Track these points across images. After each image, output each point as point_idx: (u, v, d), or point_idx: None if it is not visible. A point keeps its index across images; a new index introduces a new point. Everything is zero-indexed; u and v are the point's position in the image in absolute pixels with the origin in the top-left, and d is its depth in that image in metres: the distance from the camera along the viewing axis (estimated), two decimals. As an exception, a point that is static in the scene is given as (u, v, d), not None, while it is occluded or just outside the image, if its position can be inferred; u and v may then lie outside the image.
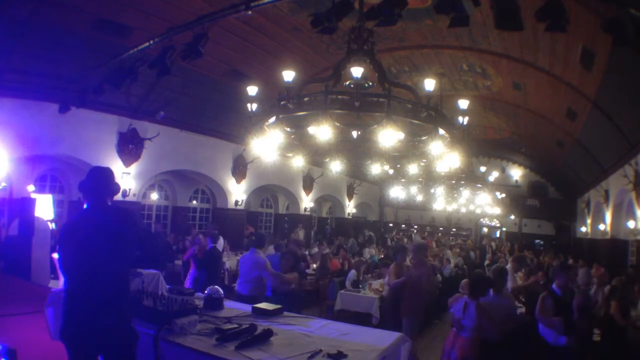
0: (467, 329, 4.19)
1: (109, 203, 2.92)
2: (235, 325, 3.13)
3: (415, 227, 23.90)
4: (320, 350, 2.81)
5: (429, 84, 5.29)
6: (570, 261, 12.38)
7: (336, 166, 8.66)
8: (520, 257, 8.15)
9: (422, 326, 6.82)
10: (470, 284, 4.58)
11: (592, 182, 13.84)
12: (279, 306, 3.87)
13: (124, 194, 10.20)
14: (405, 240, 16.60)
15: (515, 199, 20.34)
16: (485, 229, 24.27)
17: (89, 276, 2.61)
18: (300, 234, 15.98)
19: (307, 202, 17.34)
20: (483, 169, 16.79)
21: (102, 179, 2.89)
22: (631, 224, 10.62)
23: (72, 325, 2.57)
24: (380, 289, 7.43)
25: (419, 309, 5.70)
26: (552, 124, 12.39)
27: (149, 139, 10.54)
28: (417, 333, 5.37)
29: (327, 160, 8.40)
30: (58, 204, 10.47)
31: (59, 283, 6.34)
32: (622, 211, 11.64)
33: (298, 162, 8.70)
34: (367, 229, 19.49)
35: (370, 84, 5.01)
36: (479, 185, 14.79)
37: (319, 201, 19.72)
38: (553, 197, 20.89)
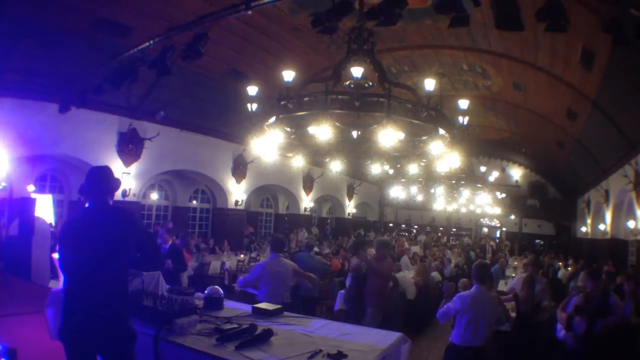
0: None
1: (110, 202, 2.93)
2: (235, 325, 3.13)
3: (415, 226, 23.93)
4: (321, 350, 2.81)
5: (429, 84, 5.28)
6: (570, 261, 12.41)
7: (336, 166, 8.65)
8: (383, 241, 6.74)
9: (416, 324, 6.85)
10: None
11: (592, 182, 13.84)
12: (278, 306, 3.87)
13: (124, 194, 10.21)
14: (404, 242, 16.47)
15: (515, 199, 20.34)
16: (485, 229, 24.27)
17: (88, 276, 2.61)
18: (305, 234, 15.94)
19: (307, 202, 17.35)
20: (483, 169, 16.80)
21: (101, 178, 2.89)
22: (631, 224, 10.62)
23: (71, 324, 2.58)
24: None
25: (381, 299, 5.69)
26: (552, 124, 12.39)
27: (149, 139, 10.54)
28: (379, 322, 5.36)
29: (327, 160, 8.40)
30: (58, 204, 10.47)
31: (59, 283, 6.34)
32: (622, 211, 11.64)
33: (298, 162, 8.69)
34: (361, 229, 19.46)
35: (371, 84, 5.01)
36: (479, 185, 14.80)
37: (319, 201, 19.72)
38: (553, 197, 20.89)
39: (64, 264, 2.78)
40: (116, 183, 2.98)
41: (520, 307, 5.28)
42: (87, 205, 2.85)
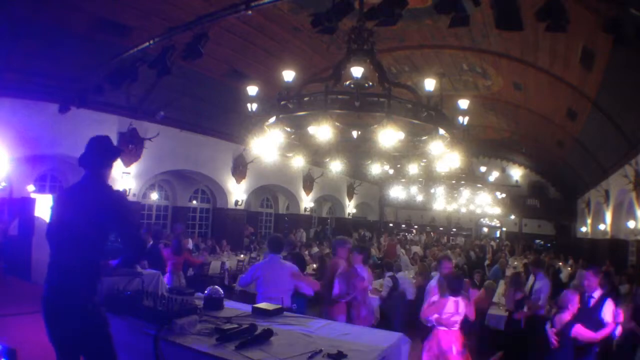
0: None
1: (108, 175, 2.86)
2: (235, 325, 3.13)
3: (415, 227, 23.93)
4: (321, 351, 2.80)
5: (429, 84, 5.29)
6: (571, 261, 12.41)
7: (336, 166, 8.65)
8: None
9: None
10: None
11: (592, 182, 13.84)
12: (278, 306, 3.87)
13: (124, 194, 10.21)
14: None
15: (515, 199, 20.34)
16: (485, 229, 24.27)
17: (65, 250, 2.65)
18: (303, 235, 15.92)
19: (307, 202, 17.34)
20: (483, 169, 16.81)
21: (95, 149, 2.85)
22: (631, 224, 10.62)
23: (47, 298, 2.60)
24: (380, 289, 7.42)
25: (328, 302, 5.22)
26: (552, 124, 12.39)
27: (149, 139, 10.54)
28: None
29: (327, 160, 8.39)
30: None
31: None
32: (623, 211, 11.64)
33: (298, 162, 8.69)
34: (362, 229, 19.44)
35: (370, 84, 5.00)
36: (479, 185, 14.81)
37: (319, 201, 19.71)
38: (553, 197, 20.90)
39: (47, 234, 2.77)
40: (113, 154, 2.92)
41: (507, 304, 5.83)
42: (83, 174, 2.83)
